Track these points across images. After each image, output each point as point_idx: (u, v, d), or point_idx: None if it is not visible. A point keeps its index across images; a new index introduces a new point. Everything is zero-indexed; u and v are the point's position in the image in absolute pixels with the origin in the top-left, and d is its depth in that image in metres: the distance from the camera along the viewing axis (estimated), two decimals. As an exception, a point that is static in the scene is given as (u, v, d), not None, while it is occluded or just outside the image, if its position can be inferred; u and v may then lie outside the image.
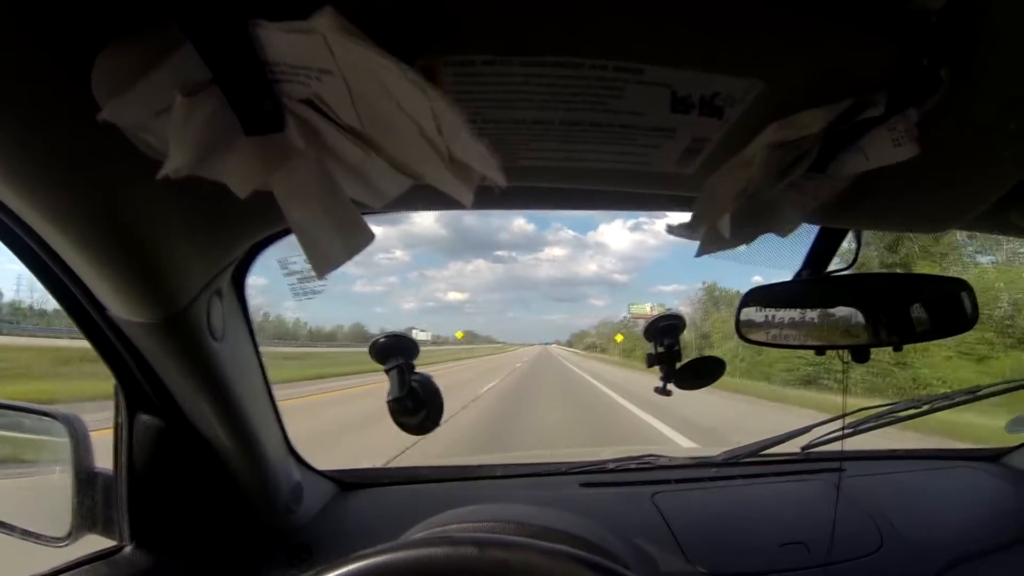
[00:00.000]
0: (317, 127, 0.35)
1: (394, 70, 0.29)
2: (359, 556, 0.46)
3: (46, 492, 0.74)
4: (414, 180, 0.39)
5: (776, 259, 0.70)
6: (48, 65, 0.33)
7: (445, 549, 0.47)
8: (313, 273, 0.71)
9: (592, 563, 0.47)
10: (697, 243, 0.54)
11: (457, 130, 0.32)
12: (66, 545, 0.66)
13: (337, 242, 0.40)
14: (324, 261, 0.40)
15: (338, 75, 0.31)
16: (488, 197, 0.38)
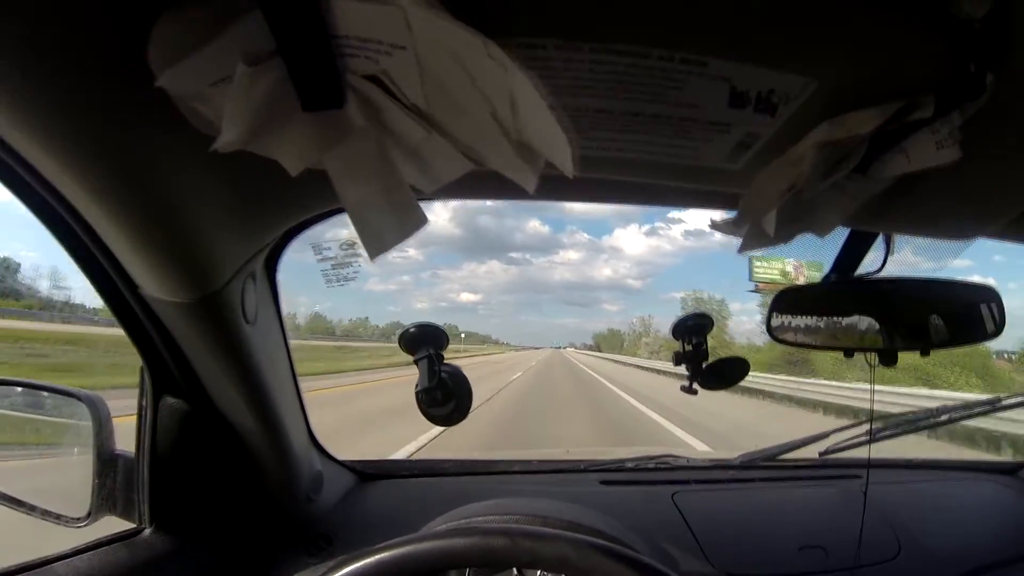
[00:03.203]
0: (379, 104, 0.35)
1: (477, 46, 0.29)
2: (390, 545, 0.47)
3: (67, 472, 0.74)
4: (475, 164, 0.38)
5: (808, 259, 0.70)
6: (97, 37, 0.32)
7: (475, 539, 0.47)
8: (348, 260, 0.71)
9: (625, 557, 0.47)
10: (735, 240, 0.55)
11: (536, 110, 0.32)
12: (85, 526, 0.66)
13: (391, 224, 0.40)
14: (378, 242, 0.40)
15: (411, 51, 0.30)
16: (541, 187, 0.38)
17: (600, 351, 78.64)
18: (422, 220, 0.40)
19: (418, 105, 0.34)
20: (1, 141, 0.39)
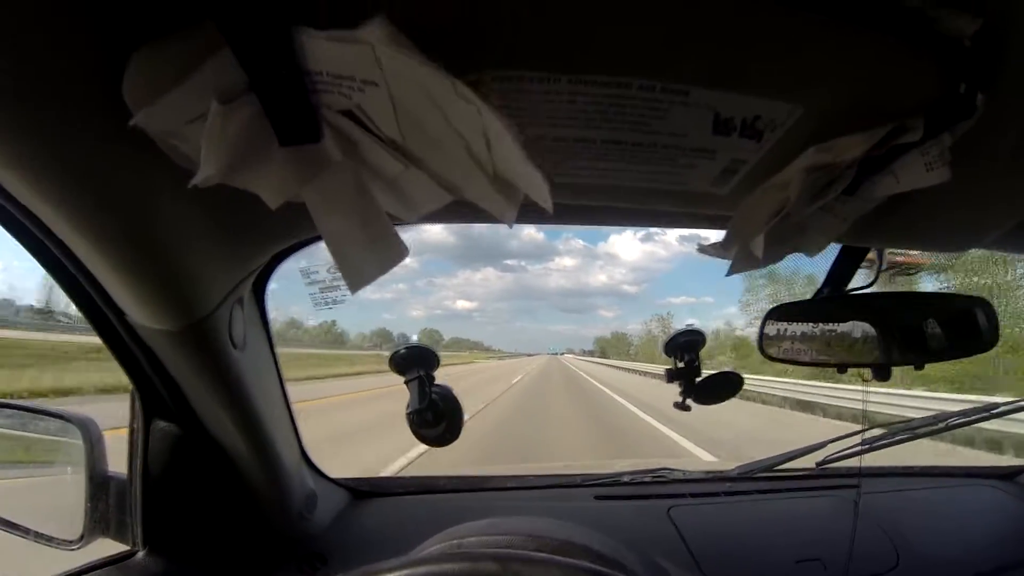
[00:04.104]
0: (355, 139, 0.35)
1: (447, 86, 0.29)
2: (377, 569, 0.46)
3: (59, 495, 0.74)
4: (454, 196, 0.38)
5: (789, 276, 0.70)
6: (78, 69, 0.32)
7: (464, 565, 0.47)
8: (336, 284, 0.70)
9: None
10: (725, 261, 0.54)
11: (509, 150, 0.32)
12: (78, 548, 0.66)
13: (371, 256, 0.39)
14: (358, 275, 0.39)
15: (383, 87, 0.30)
16: (522, 213, 0.37)
17: (605, 357, 67.55)
18: (402, 253, 0.40)
19: (394, 139, 0.34)
20: None
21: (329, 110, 0.33)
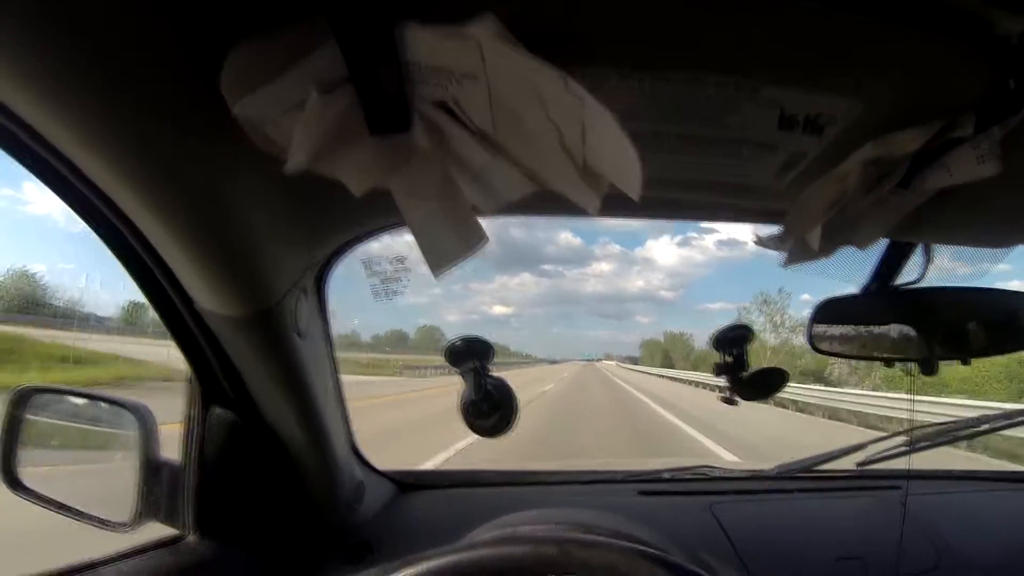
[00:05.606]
0: (444, 129, 0.36)
1: (555, 79, 0.31)
2: (443, 551, 0.47)
3: (111, 479, 0.75)
4: (539, 186, 0.40)
5: (847, 271, 0.71)
6: (168, 63, 0.33)
7: (526, 548, 0.48)
8: (398, 275, 0.73)
9: (675, 565, 0.48)
10: (778, 253, 0.56)
11: (607, 139, 0.33)
12: (129, 531, 0.67)
13: (453, 241, 0.41)
14: (442, 259, 0.41)
15: (482, 80, 0.32)
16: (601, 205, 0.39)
17: (671, 365, 46.96)
18: (483, 239, 0.42)
19: (485, 130, 0.36)
20: (65, 159, 0.40)
21: (423, 101, 0.35)
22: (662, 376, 26.52)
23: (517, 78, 0.32)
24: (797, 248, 0.54)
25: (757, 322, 33.42)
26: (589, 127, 0.34)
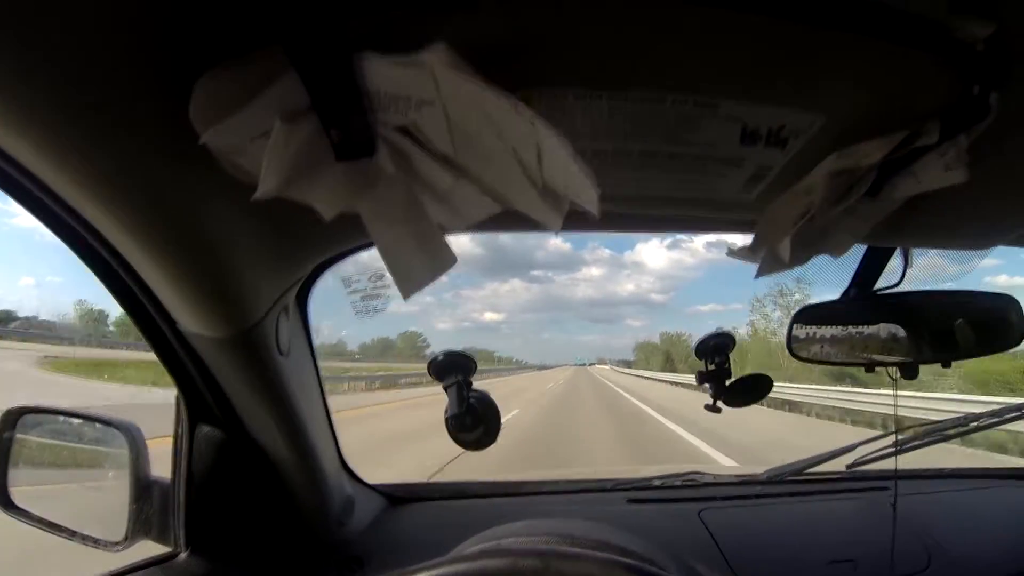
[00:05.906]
0: (408, 153, 0.37)
1: (504, 105, 0.31)
2: (420, 568, 0.46)
3: (102, 498, 0.76)
4: (502, 205, 0.40)
5: (826, 277, 0.72)
6: (144, 90, 0.34)
7: (507, 561, 0.48)
8: (377, 292, 0.74)
9: (649, 574, 0.48)
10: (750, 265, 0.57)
11: (560, 161, 0.34)
12: (121, 550, 0.68)
13: (422, 264, 0.41)
14: (409, 282, 0.42)
15: (438, 106, 0.33)
16: (565, 221, 0.39)
17: (674, 369, 42.26)
18: (451, 260, 0.42)
19: (446, 153, 0.37)
20: (37, 179, 0.40)
21: (385, 127, 0.36)
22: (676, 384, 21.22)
23: (470, 104, 0.32)
24: (769, 259, 0.55)
25: (772, 317, 32.15)
26: (544, 148, 0.34)
